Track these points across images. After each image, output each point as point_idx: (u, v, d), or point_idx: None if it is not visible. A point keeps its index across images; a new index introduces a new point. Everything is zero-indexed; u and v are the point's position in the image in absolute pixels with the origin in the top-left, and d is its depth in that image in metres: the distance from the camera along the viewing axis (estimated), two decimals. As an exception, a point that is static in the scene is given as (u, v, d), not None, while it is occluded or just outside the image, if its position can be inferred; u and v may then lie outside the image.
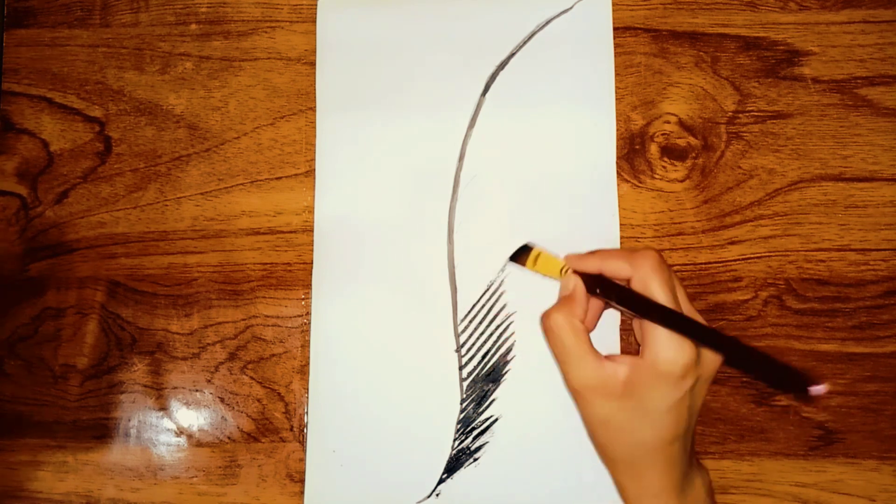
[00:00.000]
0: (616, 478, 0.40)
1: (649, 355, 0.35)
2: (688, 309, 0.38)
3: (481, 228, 0.50)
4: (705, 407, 0.48)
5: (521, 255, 0.44)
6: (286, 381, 0.50)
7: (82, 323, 0.51)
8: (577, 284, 0.38)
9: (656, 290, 0.36)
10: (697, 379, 0.35)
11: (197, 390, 0.50)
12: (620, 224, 0.50)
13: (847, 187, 0.50)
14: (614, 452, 0.39)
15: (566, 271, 0.41)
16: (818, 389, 0.31)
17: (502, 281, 0.50)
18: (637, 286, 0.37)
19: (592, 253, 0.40)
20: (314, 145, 0.52)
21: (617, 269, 0.38)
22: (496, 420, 0.49)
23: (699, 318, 0.38)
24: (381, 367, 0.49)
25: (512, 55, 0.52)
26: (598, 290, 0.38)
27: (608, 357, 0.37)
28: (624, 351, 0.49)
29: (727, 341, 0.36)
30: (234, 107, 0.52)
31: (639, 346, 0.48)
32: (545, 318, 0.38)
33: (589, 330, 0.39)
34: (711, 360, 0.36)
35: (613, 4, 0.52)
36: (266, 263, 0.51)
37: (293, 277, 0.51)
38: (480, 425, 0.49)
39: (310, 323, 0.50)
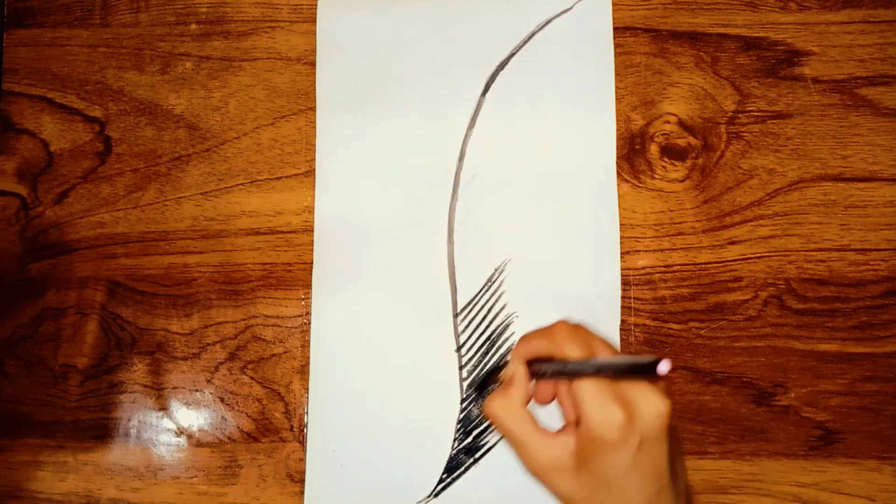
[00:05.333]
0: None
1: (584, 424, 0.35)
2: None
3: (481, 228, 0.50)
4: (705, 407, 0.48)
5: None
6: (286, 381, 0.50)
7: (82, 323, 0.51)
8: (517, 369, 0.38)
9: (570, 352, 0.36)
10: (642, 438, 0.34)
11: (197, 390, 0.50)
12: (620, 224, 0.50)
13: (847, 187, 0.50)
14: None
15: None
16: (664, 367, 0.31)
17: (502, 281, 0.50)
18: (557, 356, 0.37)
19: (521, 338, 0.40)
20: (314, 145, 0.52)
21: (540, 348, 0.38)
22: (496, 420, 0.49)
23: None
24: (381, 367, 0.49)
25: (512, 55, 0.52)
26: (531, 371, 0.39)
27: (557, 432, 0.37)
28: (623, 349, 0.49)
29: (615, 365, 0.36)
30: (234, 107, 0.52)
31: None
32: (484, 409, 0.38)
33: (543, 403, 0.39)
34: (652, 415, 0.35)
35: (613, 4, 0.52)
36: (266, 263, 0.51)
37: (293, 277, 0.51)
38: (480, 425, 0.49)
39: (310, 323, 0.50)
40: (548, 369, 0.37)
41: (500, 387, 0.38)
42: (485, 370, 0.49)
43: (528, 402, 0.38)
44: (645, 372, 0.32)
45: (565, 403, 0.38)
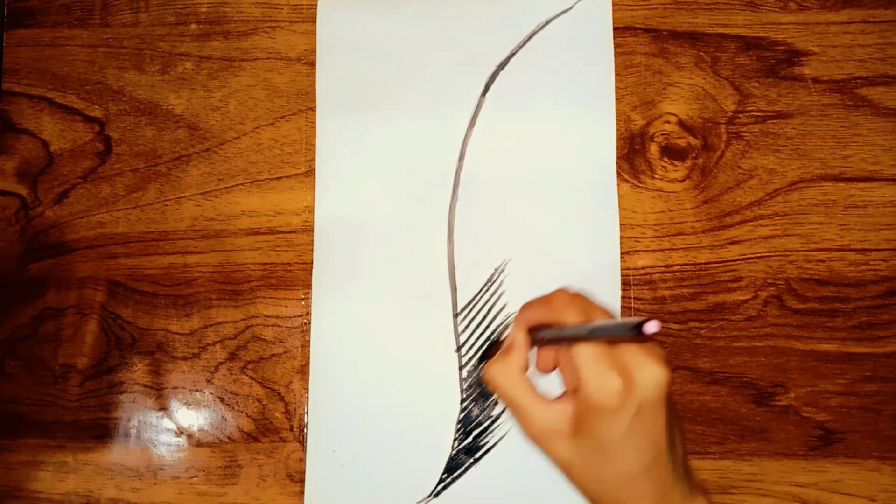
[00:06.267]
0: None
1: (581, 390, 0.35)
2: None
3: (481, 228, 0.50)
4: (705, 407, 0.48)
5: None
6: (286, 381, 0.50)
7: (82, 323, 0.51)
8: (518, 335, 0.39)
9: (568, 318, 0.36)
10: (639, 406, 0.34)
11: (197, 390, 0.50)
12: (620, 224, 0.50)
13: (847, 187, 0.50)
14: (590, 492, 0.38)
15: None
16: (649, 328, 0.31)
17: (502, 281, 0.50)
18: (556, 323, 0.38)
19: (523, 306, 0.40)
20: (314, 145, 0.52)
21: (539, 316, 0.38)
22: (496, 420, 0.49)
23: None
24: (381, 367, 0.49)
25: (512, 55, 0.52)
26: (532, 338, 0.39)
27: (556, 398, 0.37)
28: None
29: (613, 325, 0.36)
30: (234, 107, 0.52)
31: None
32: (484, 374, 0.38)
33: (545, 371, 0.40)
34: (651, 383, 0.35)
35: (613, 4, 0.52)
36: (266, 263, 0.51)
37: (293, 277, 0.51)
38: (481, 425, 0.49)
39: (310, 323, 0.50)
40: (546, 335, 0.37)
41: (500, 353, 0.38)
42: (488, 341, 0.49)
43: (527, 368, 0.38)
44: (635, 333, 0.32)
45: (566, 371, 0.38)
